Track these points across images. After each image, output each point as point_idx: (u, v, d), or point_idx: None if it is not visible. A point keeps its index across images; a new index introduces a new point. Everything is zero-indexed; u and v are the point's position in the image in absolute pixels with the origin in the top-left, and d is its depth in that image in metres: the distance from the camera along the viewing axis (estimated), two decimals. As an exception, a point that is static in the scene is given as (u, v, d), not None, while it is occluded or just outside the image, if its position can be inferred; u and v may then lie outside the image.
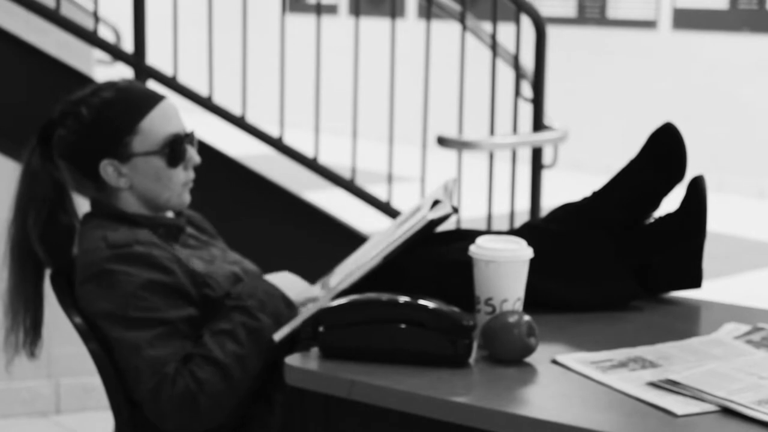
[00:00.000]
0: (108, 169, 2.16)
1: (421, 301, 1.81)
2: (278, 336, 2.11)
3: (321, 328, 1.81)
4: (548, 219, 2.19)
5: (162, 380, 2.00)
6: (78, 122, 2.15)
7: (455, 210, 2.02)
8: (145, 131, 2.15)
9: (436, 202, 2.05)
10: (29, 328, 2.20)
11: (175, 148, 2.17)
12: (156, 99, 2.18)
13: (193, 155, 2.21)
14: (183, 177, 2.20)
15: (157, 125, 2.16)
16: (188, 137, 2.21)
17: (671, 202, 2.19)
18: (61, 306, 2.16)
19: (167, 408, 2.00)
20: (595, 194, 2.19)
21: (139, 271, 2.05)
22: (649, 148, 2.18)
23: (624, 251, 2.13)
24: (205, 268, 2.18)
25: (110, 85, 2.19)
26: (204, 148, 3.45)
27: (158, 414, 2.02)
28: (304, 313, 2.08)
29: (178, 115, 2.21)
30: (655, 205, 2.18)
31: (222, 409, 2.03)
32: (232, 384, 2.03)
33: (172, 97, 3.59)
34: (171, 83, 3.62)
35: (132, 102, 2.16)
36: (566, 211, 2.19)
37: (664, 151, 2.16)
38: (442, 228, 2.15)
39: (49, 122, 2.19)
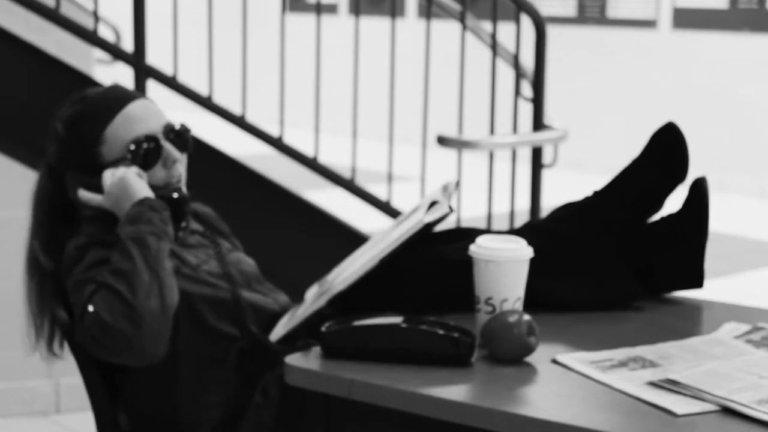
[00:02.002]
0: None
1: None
2: (275, 336, 2.11)
3: (323, 328, 1.81)
4: (550, 219, 2.19)
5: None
6: (57, 139, 2.19)
7: (451, 209, 2.02)
8: (111, 139, 2.15)
9: (433, 203, 2.05)
10: (49, 332, 2.21)
11: (140, 151, 2.15)
12: (121, 104, 2.17)
13: (170, 153, 2.18)
14: (163, 176, 2.18)
15: (121, 131, 2.15)
16: (171, 134, 2.19)
17: (673, 202, 2.19)
18: (47, 301, 2.18)
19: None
20: (597, 194, 2.19)
21: (106, 252, 2.06)
22: (651, 148, 2.17)
23: (626, 251, 2.13)
24: (194, 262, 2.19)
25: (81, 98, 2.20)
26: (204, 148, 3.46)
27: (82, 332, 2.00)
28: (300, 314, 2.08)
29: (151, 114, 2.19)
30: (658, 205, 2.18)
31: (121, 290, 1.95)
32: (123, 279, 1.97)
33: (171, 97, 3.62)
34: (171, 83, 3.62)
35: (96, 112, 2.16)
36: (567, 210, 2.19)
37: (666, 151, 2.16)
38: (442, 227, 2.15)
39: (48, 139, 2.22)
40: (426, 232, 2.04)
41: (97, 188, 2.14)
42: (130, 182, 2.10)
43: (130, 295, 1.95)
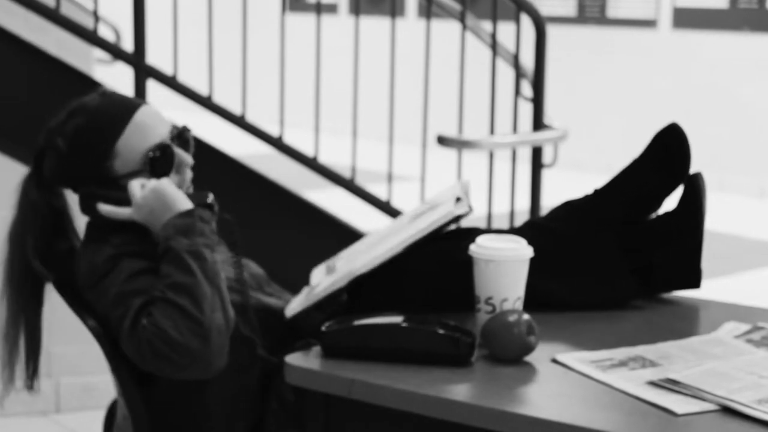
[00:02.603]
0: None
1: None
2: (290, 312, 2.10)
3: (324, 327, 1.81)
4: (550, 217, 2.19)
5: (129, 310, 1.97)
6: (57, 153, 2.11)
7: (471, 209, 2.02)
8: (123, 152, 2.10)
9: (458, 199, 2.05)
10: (28, 361, 2.17)
11: (156, 161, 2.11)
12: (127, 114, 2.11)
13: (183, 158, 2.15)
14: (175, 182, 2.14)
15: (133, 143, 2.10)
16: (177, 138, 2.16)
17: (670, 200, 2.18)
18: (73, 310, 2.13)
19: (130, 334, 1.94)
20: (597, 192, 2.19)
21: (141, 262, 2.02)
22: (654, 148, 2.17)
23: (624, 250, 2.13)
24: None
25: (81, 108, 2.13)
26: (204, 148, 3.46)
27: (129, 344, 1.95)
28: (319, 292, 2.08)
29: (157, 120, 2.14)
30: (657, 205, 2.18)
31: (177, 312, 1.90)
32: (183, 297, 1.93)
33: (171, 97, 3.62)
34: (171, 82, 3.62)
35: (104, 124, 2.10)
36: (567, 209, 2.19)
37: (668, 152, 2.16)
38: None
39: (38, 152, 2.15)
40: (452, 223, 2.04)
41: (117, 201, 2.09)
42: (170, 193, 2.04)
43: (196, 310, 1.90)
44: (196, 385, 2.05)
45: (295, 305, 2.12)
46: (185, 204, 2.04)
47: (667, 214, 2.17)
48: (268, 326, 2.15)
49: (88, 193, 2.13)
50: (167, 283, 1.93)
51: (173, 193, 2.05)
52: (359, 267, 2.04)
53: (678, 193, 2.18)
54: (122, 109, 2.13)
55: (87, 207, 2.14)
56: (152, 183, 2.06)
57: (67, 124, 2.12)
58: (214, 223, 2.06)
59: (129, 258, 2.03)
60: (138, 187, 2.07)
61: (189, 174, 2.19)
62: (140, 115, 2.12)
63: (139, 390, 2.10)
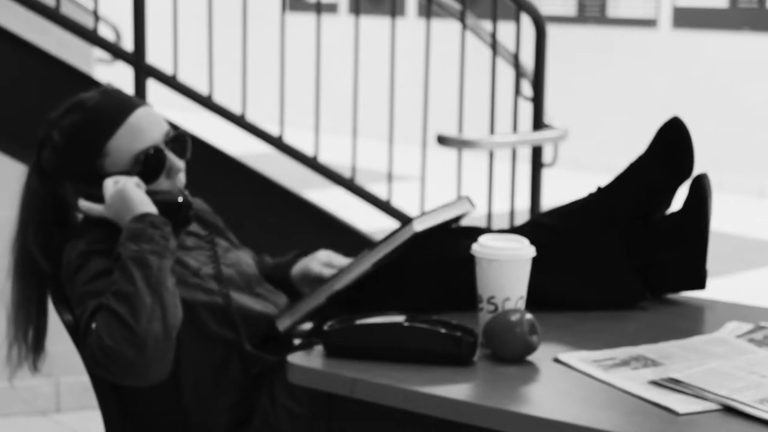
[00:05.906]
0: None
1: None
2: (282, 325, 2.10)
3: (326, 327, 1.81)
4: (552, 215, 2.19)
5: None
6: (53, 146, 2.14)
7: (456, 221, 2.01)
8: (114, 152, 2.12)
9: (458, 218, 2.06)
10: (32, 343, 2.19)
11: (145, 165, 2.12)
12: (123, 114, 2.13)
13: (174, 163, 2.16)
14: (166, 186, 2.15)
15: (125, 144, 2.11)
16: (172, 142, 2.16)
17: (677, 200, 2.18)
18: (53, 303, 2.17)
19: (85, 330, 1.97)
20: (601, 190, 2.17)
21: (107, 262, 2.03)
22: (657, 142, 2.16)
23: (628, 250, 2.13)
24: (195, 266, 2.17)
25: (79, 104, 2.15)
26: (204, 147, 3.46)
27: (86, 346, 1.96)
28: (303, 308, 2.07)
29: (153, 123, 2.15)
30: (664, 202, 2.16)
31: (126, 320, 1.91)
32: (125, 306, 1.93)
33: (171, 96, 3.62)
34: (171, 82, 3.62)
35: (98, 123, 2.12)
36: (571, 207, 2.18)
37: (671, 147, 2.15)
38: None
39: (39, 142, 2.18)
40: (416, 240, 2.03)
41: (98, 198, 2.11)
42: (131, 195, 2.06)
43: (132, 319, 1.91)
44: (169, 383, 2.06)
45: (285, 318, 2.11)
46: (143, 207, 2.05)
47: (672, 214, 2.17)
48: (250, 326, 2.15)
49: (75, 187, 2.15)
50: (112, 290, 1.95)
51: (134, 195, 2.06)
52: (335, 283, 2.05)
53: (683, 193, 2.17)
54: (118, 110, 2.14)
55: (74, 201, 2.16)
56: (120, 183, 2.07)
57: (64, 118, 2.14)
58: (168, 228, 2.04)
59: (98, 256, 2.05)
60: (111, 186, 2.09)
61: (181, 179, 2.19)
62: (135, 117, 2.13)
63: (114, 386, 2.12)
